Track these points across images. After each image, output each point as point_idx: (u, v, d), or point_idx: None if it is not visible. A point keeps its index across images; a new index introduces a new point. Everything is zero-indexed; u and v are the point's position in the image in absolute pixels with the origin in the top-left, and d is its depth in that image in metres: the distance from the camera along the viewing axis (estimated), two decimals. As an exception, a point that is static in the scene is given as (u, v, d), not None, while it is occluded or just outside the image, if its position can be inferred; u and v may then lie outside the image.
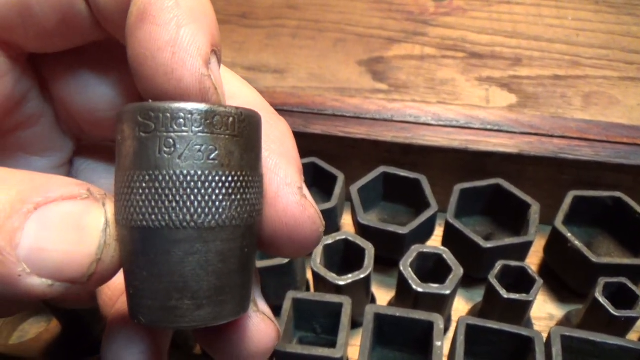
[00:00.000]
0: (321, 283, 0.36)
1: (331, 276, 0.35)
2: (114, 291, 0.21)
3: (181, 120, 0.15)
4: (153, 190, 0.15)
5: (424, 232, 0.42)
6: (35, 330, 0.41)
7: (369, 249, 0.37)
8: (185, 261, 0.15)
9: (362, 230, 0.41)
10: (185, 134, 0.15)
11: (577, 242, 0.38)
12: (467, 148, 0.44)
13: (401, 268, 0.36)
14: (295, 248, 0.19)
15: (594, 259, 0.37)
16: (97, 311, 0.26)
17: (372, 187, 0.44)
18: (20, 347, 0.38)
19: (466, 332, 0.33)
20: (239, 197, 0.16)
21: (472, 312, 0.42)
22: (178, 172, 0.15)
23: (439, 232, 0.44)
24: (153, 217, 0.15)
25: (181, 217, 0.15)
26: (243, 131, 0.16)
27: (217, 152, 0.15)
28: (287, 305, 0.34)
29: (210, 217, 0.15)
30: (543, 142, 0.43)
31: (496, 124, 0.45)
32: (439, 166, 0.45)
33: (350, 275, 0.35)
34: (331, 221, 0.43)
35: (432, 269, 0.38)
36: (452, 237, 0.41)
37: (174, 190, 0.15)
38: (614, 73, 0.54)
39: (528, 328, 0.34)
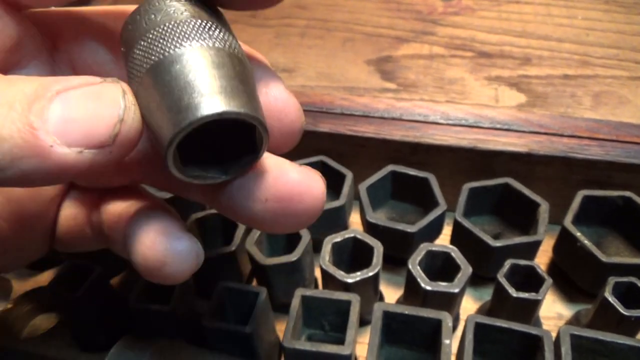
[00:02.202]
0: (330, 281, 0.36)
1: (340, 274, 0.35)
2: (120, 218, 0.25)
3: (155, 2, 0.20)
4: (155, 39, 0.19)
5: (433, 230, 0.42)
6: (46, 325, 0.41)
7: (378, 247, 0.37)
8: (184, 72, 0.18)
9: (371, 228, 0.41)
10: (158, 5, 0.20)
11: (586, 242, 0.38)
12: (476, 147, 0.44)
13: (410, 266, 0.36)
14: (283, 138, 0.23)
15: (603, 258, 0.37)
16: (106, 306, 0.26)
17: (381, 186, 0.44)
18: (32, 343, 0.39)
19: (475, 330, 0.33)
20: (217, 32, 0.20)
21: (481, 311, 0.42)
22: (165, 20, 0.20)
23: (447, 230, 0.44)
24: (155, 53, 0.19)
25: (173, 43, 0.19)
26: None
27: (186, 13, 0.20)
28: (296, 302, 0.34)
29: (196, 40, 0.19)
30: (552, 142, 0.43)
31: (505, 123, 0.45)
32: (447, 165, 0.45)
33: (358, 273, 0.35)
34: (340, 219, 0.43)
35: (440, 267, 0.38)
36: (460, 236, 0.41)
37: (167, 32, 0.19)
38: (624, 72, 0.54)
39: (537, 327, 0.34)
